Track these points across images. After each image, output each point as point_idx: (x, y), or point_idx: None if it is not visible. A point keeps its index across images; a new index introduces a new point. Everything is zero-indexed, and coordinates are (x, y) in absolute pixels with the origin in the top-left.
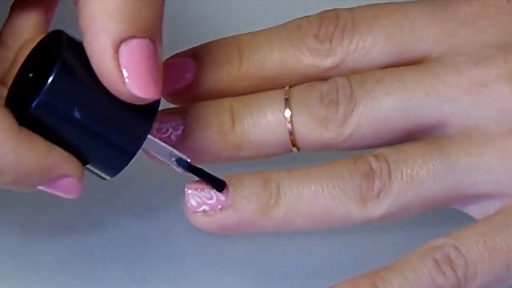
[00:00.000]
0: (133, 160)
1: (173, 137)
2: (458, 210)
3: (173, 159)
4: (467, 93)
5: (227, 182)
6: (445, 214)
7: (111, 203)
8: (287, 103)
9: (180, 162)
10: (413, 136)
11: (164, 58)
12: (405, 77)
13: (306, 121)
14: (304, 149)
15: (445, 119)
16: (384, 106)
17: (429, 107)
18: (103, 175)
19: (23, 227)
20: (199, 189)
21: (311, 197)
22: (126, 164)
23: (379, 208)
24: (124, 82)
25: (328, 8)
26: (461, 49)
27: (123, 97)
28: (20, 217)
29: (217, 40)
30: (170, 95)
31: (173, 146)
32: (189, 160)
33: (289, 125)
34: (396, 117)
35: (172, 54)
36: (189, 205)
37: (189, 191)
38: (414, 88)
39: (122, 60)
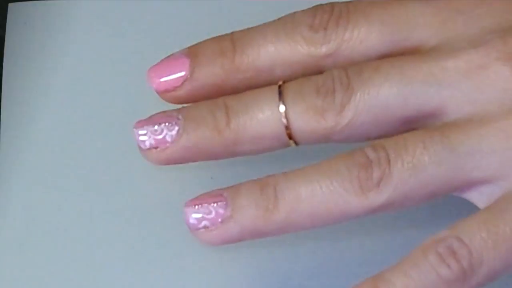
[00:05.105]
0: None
1: (168, 138)
2: (461, 209)
3: None
4: (466, 76)
5: (225, 195)
6: (447, 210)
7: (112, 204)
8: (282, 96)
9: None
10: (412, 125)
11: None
12: (403, 65)
13: (302, 112)
14: (302, 142)
15: (445, 105)
16: (382, 93)
17: (428, 93)
18: None
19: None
20: (197, 206)
21: (309, 196)
22: None
23: (379, 197)
24: None
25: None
26: (459, 37)
27: None
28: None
29: (210, 38)
30: (165, 93)
31: (169, 147)
32: None
33: (284, 120)
34: (395, 104)
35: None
36: (190, 223)
37: (188, 209)
38: (413, 75)
39: None
